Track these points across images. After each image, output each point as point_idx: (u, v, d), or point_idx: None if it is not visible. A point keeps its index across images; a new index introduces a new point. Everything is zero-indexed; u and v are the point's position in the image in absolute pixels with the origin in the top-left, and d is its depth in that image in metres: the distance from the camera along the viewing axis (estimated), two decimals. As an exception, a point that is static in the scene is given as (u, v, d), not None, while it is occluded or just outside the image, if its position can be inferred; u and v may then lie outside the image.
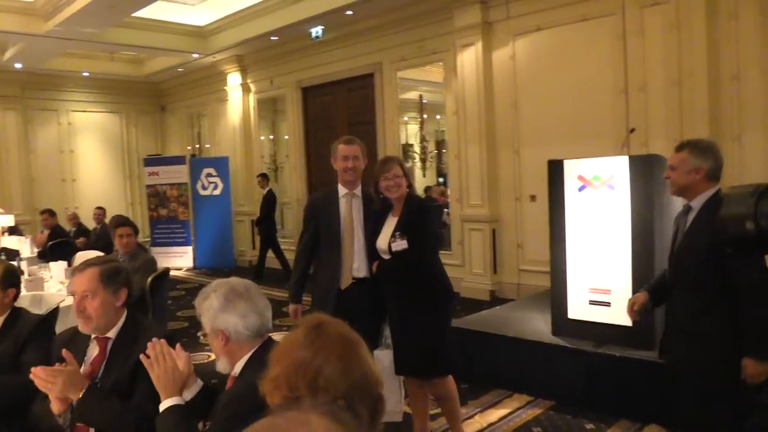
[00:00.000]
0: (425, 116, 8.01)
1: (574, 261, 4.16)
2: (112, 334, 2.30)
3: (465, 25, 7.28)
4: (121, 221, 4.70)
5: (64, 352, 2.14)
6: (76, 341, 2.36)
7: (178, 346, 2.01)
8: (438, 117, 8.12)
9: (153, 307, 4.44)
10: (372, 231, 3.29)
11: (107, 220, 8.82)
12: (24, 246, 7.75)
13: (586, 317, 4.10)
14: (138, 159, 12.49)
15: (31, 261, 7.49)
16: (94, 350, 2.33)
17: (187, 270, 10.74)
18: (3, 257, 5.35)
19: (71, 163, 12.01)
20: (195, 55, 10.50)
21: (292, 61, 9.91)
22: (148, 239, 11.26)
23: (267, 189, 9.17)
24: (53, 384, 1.99)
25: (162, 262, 10.94)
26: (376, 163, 3.30)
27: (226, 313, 1.84)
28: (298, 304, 3.41)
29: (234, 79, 11.00)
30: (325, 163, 9.55)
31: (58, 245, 7.30)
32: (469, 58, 7.33)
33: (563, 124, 6.65)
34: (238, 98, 10.99)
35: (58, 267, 5.31)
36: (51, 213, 8.30)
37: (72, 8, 7.76)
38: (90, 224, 9.04)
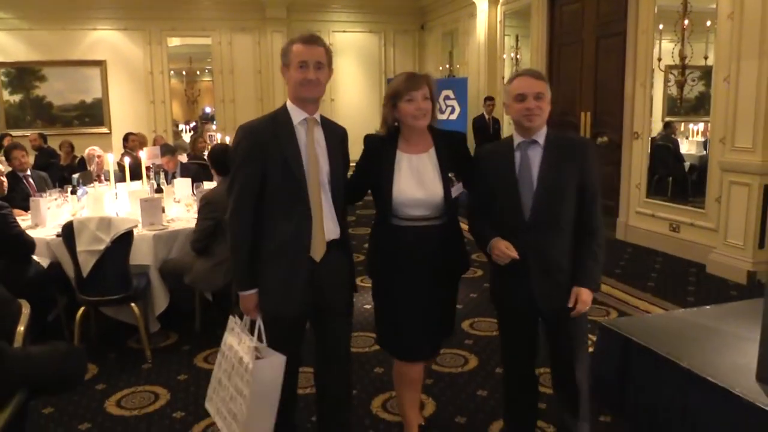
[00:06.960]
0: (686, 22, 5.82)
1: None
2: None
3: None
4: None
5: None
6: None
7: None
8: (708, 24, 5.83)
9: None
10: (377, 173, 2.45)
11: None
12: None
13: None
14: (393, 80, 12.30)
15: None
16: None
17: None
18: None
19: (331, 83, 12.15)
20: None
21: (540, -38, 8.32)
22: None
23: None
24: None
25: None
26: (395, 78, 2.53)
27: None
28: (254, 290, 2.30)
29: (482, -11, 9.81)
30: (569, 85, 8.00)
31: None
32: (758, -71, 4.98)
33: None
34: (484, 12, 9.80)
35: (182, 185, 4.81)
36: None
37: None
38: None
